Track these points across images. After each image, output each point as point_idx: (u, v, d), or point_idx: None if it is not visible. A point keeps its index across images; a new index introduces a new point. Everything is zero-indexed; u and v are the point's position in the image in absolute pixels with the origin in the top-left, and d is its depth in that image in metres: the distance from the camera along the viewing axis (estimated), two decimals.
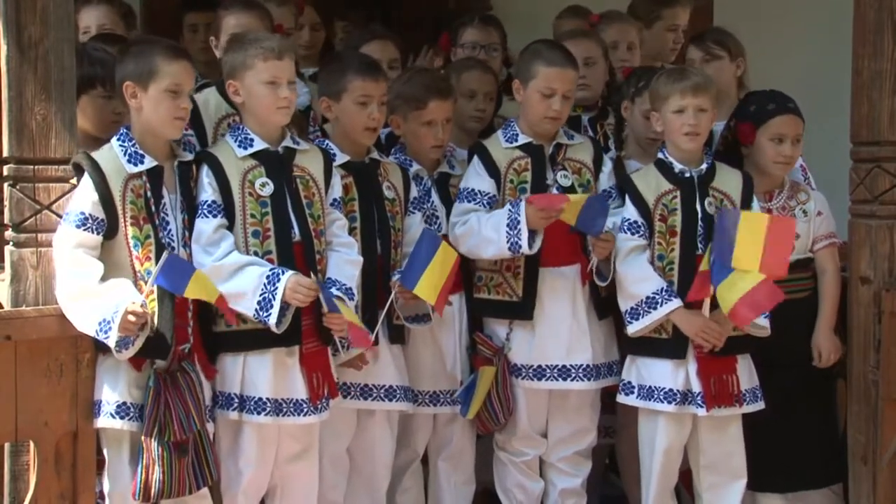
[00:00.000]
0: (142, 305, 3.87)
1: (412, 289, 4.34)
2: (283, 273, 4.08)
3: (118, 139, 4.05)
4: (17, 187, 3.96)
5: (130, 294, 3.90)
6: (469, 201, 4.62)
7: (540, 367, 4.65)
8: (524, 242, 4.47)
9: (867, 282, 4.55)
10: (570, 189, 4.66)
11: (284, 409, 4.18)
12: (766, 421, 4.63)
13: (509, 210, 4.50)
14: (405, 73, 4.84)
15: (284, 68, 4.21)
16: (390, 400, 4.49)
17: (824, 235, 4.79)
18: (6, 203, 3.99)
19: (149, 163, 4.03)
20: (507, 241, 4.49)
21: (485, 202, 4.61)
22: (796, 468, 4.75)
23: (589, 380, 4.65)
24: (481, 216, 4.56)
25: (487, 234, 4.51)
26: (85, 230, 3.93)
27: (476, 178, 4.65)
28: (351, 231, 4.42)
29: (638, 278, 4.55)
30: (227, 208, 4.15)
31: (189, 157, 4.17)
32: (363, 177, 4.50)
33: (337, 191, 4.36)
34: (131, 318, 3.83)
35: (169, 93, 4.02)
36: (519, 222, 4.46)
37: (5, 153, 3.99)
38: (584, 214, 4.46)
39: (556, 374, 4.64)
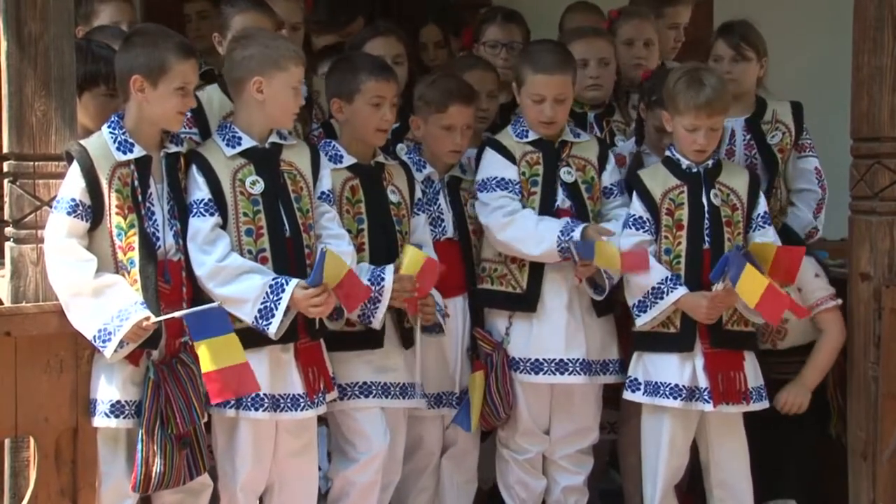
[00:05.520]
0: (147, 318, 3.88)
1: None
2: (286, 283, 4.08)
3: (109, 126, 4.04)
4: (17, 184, 3.96)
5: (130, 298, 3.90)
6: (501, 189, 4.62)
7: (537, 360, 4.65)
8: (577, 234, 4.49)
9: (867, 278, 4.55)
10: (574, 185, 4.67)
11: (282, 405, 4.18)
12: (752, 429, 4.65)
13: (567, 222, 4.53)
14: (430, 76, 4.83)
15: (302, 75, 4.24)
16: (404, 398, 4.48)
17: (821, 300, 4.71)
18: (6, 199, 4.00)
19: (138, 152, 4.02)
20: (559, 245, 4.52)
21: (516, 190, 4.61)
22: (767, 478, 4.75)
23: (585, 375, 4.65)
24: (533, 213, 4.57)
25: (540, 232, 4.53)
26: (75, 217, 3.92)
27: (499, 167, 4.64)
28: (358, 233, 4.44)
29: None
30: (219, 208, 4.14)
31: (176, 148, 4.14)
32: (370, 179, 4.50)
33: (326, 184, 4.35)
34: (141, 331, 3.87)
35: (178, 90, 4.02)
36: (573, 230, 4.50)
37: (5, 149, 3.99)
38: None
39: (553, 368, 4.64)
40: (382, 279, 4.30)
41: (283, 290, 4.07)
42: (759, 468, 4.71)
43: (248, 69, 4.19)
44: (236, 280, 4.08)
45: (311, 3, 5.41)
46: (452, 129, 4.63)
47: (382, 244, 4.47)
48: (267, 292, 4.07)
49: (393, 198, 4.53)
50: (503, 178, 4.62)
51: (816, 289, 4.73)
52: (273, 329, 4.07)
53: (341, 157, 4.48)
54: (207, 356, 3.89)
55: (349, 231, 4.41)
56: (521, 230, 4.56)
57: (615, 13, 5.39)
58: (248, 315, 4.07)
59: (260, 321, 4.07)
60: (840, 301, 4.70)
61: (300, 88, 4.23)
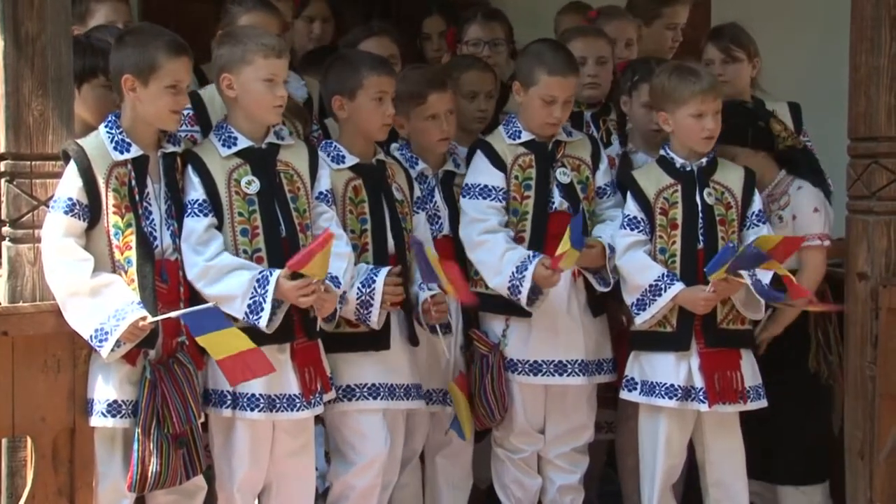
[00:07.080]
0: (143, 317, 3.88)
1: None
2: (270, 275, 4.07)
3: (106, 126, 4.04)
4: (14, 183, 3.96)
5: (127, 297, 3.90)
6: (484, 198, 4.61)
7: (536, 362, 4.65)
8: (524, 292, 4.49)
9: (864, 278, 4.55)
10: (570, 186, 4.66)
11: (278, 405, 4.17)
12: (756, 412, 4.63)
13: (526, 256, 4.50)
14: (400, 73, 4.82)
15: (282, 67, 4.21)
16: (407, 398, 4.48)
17: (810, 236, 4.69)
18: (3, 199, 3.99)
19: (135, 151, 4.02)
20: (509, 282, 4.51)
21: (500, 197, 4.61)
22: (775, 460, 4.76)
23: (584, 375, 4.65)
24: (506, 240, 4.55)
25: (503, 264, 4.52)
26: (72, 216, 3.92)
27: (485, 174, 4.63)
28: (362, 233, 4.43)
29: (639, 268, 4.57)
30: (214, 208, 4.14)
31: (173, 148, 4.14)
32: (372, 179, 4.49)
33: (324, 184, 4.34)
34: (138, 331, 3.86)
35: (169, 89, 4.01)
36: (526, 269, 4.48)
37: (2, 149, 3.98)
38: (573, 234, 4.45)
39: (552, 370, 4.64)
40: (374, 281, 4.30)
41: (267, 283, 4.05)
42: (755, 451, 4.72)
43: (219, 67, 4.21)
44: (224, 278, 4.08)
45: (298, 2, 5.41)
46: (436, 117, 4.62)
47: (386, 242, 4.46)
48: (255, 287, 4.06)
49: (397, 195, 4.53)
50: (486, 186, 4.62)
51: (810, 224, 4.70)
52: (263, 322, 4.06)
53: (343, 157, 4.47)
54: (214, 347, 3.89)
55: (353, 231, 4.41)
56: (487, 254, 4.56)
57: (594, 13, 5.40)
58: (238, 311, 4.07)
59: (250, 316, 4.06)
60: (827, 243, 4.68)
61: (278, 81, 4.17)
